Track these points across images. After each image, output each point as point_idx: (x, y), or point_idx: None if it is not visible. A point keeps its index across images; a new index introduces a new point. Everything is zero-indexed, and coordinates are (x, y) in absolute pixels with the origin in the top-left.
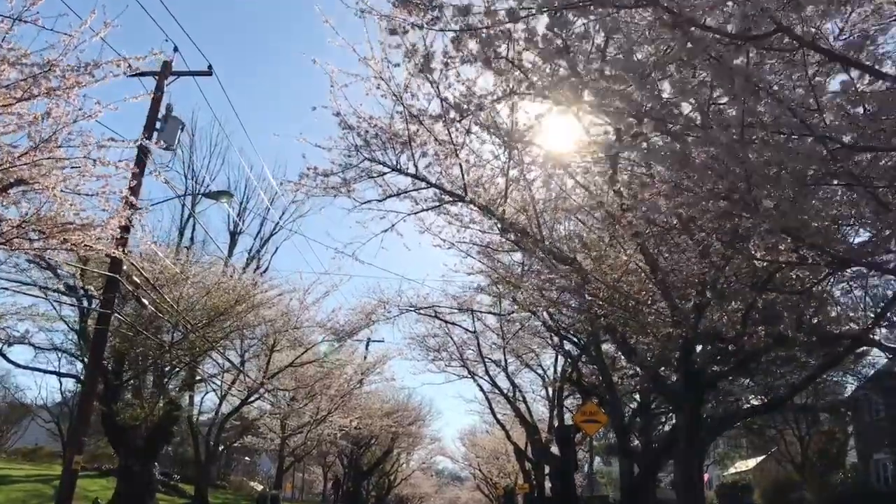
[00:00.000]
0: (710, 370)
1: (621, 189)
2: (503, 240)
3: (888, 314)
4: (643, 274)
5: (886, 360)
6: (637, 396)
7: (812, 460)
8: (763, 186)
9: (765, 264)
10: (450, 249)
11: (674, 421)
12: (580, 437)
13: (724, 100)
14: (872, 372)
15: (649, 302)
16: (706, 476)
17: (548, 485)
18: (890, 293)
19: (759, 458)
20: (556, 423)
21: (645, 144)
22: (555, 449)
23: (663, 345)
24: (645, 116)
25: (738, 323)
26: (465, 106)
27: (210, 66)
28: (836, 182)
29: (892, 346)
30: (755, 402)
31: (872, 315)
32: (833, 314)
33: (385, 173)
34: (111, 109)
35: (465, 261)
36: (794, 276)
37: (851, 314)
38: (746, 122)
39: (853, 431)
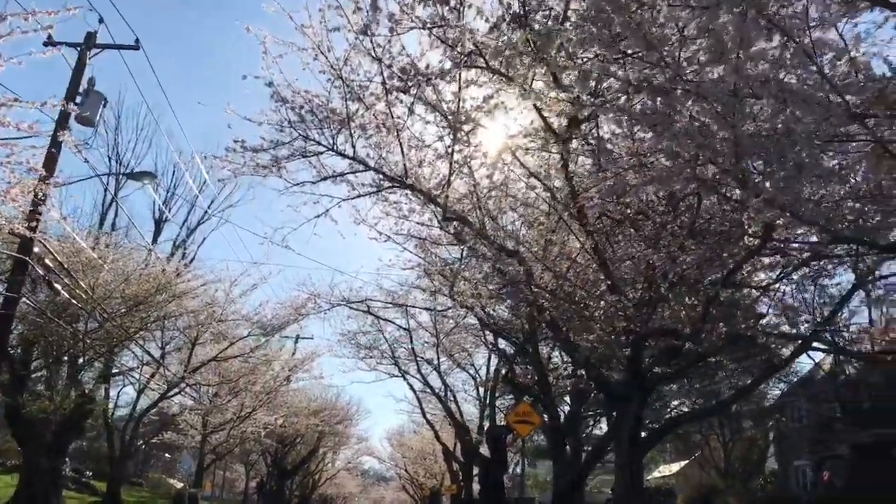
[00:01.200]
0: (657, 371)
1: (573, 177)
2: (442, 232)
3: (837, 315)
4: (592, 266)
5: (812, 365)
6: (567, 399)
7: (734, 466)
8: (753, 155)
9: (726, 255)
10: (386, 242)
11: (603, 425)
12: (511, 438)
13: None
14: (796, 379)
15: (597, 294)
16: None
17: (476, 486)
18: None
19: (683, 463)
20: (486, 424)
21: (619, 104)
22: (484, 450)
23: (610, 342)
24: (616, 69)
25: (697, 320)
26: (410, 79)
27: (137, 40)
28: (853, 143)
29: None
30: (692, 406)
31: (820, 317)
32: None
33: (320, 153)
34: (14, 64)
35: (401, 255)
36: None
37: (798, 316)
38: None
39: (774, 438)
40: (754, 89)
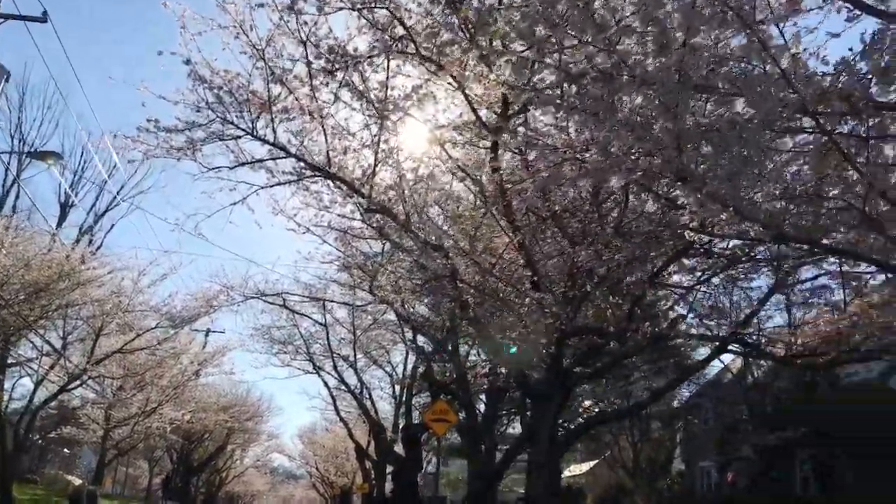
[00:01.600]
0: (578, 370)
1: (501, 171)
2: (364, 226)
3: (753, 319)
4: (518, 262)
5: (720, 368)
6: (483, 397)
7: (642, 466)
8: (696, 148)
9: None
10: (305, 234)
11: (517, 424)
12: (426, 436)
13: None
14: (704, 381)
15: (522, 291)
16: None
17: (389, 485)
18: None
19: (593, 463)
20: (402, 422)
21: (556, 94)
22: (399, 448)
23: (534, 340)
24: (556, 56)
25: (622, 319)
26: (337, 61)
27: (45, 12)
28: (803, 135)
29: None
30: (606, 407)
31: (737, 320)
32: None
33: (238, 137)
34: None
35: (320, 248)
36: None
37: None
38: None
39: (681, 439)
40: (705, 76)
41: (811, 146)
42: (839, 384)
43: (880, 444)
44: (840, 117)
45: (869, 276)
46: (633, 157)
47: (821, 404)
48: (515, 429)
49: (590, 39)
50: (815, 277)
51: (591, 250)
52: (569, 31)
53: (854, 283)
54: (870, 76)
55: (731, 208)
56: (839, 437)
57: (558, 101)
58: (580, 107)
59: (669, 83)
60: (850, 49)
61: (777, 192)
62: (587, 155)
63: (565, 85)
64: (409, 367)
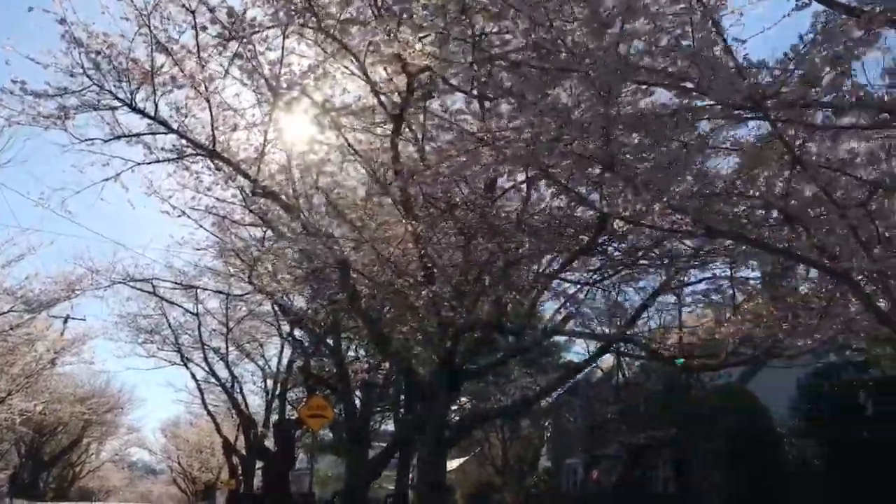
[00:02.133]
0: (468, 367)
1: (400, 160)
2: (246, 211)
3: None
4: (413, 254)
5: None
6: (359, 393)
7: (511, 463)
8: (626, 136)
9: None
10: (180, 217)
11: (392, 422)
12: (300, 432)
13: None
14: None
15: (417, 283)
16: (411, 476)
17: (257, 482)
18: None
19: (462, 460)
20: (273, 417)
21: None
22: (270, 443)
23: (429, 334)
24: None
25: (524, 315)
26: (234, 30)
27: None
28: (757, 116)
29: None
30: (482, 405)
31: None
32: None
33: (115, 108)
34: None
35: (195, 233)
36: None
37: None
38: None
39: (549, 437)
40: (653, 56)
41: (745, 140)
42: (705, 386)
43: (737, 443)
44: (788, 107)
45: (756, 280)
46: (559, 144)
47: (689, 406)
48: (388, 426)
49: (530, 15)
50: (700, 281)
51: (487, 244)
52: (489, 8)
53: (741, 287)
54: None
55: (665, 199)
56: (701, 437)
57: (483, 81)
58: (509, 89)
59: (610, 62)
60: (801, 37)
61: (695, 188)
62: (507, 141)
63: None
64: (285, 361)
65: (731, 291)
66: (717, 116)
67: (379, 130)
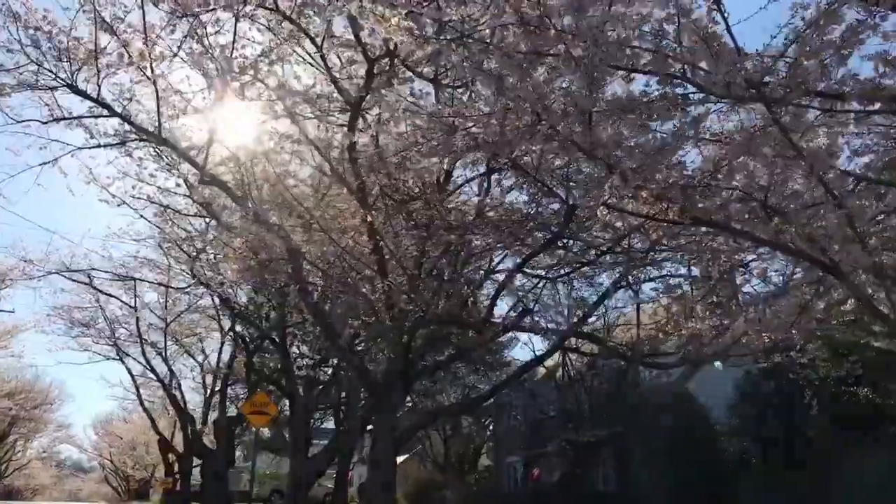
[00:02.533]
0: (423, 363)
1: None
2: (189, 201)
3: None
4: (366, 246)
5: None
6: (300, 390)
7: (452, 461)
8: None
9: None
10: (119, 207)
11: (332, 420)
12: (240, 429)
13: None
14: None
15: (370, 276)
16: (349, 474)
17: (195, 480)
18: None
19: (403, 458)
20: (215, 414)
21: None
22: (209, 441)
23: (385, 328)
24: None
25: (487, 309)
26: (186, 8)
27: None
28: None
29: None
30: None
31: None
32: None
33: (55, 88)
34: None
35: (136, 223)
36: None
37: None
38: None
39: (490, 435)
40: (640, 38)
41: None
42: (642, 385)
43: (675, 441)
44: (786, 93)
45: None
46: (539, 130)
47: (629, 405)
48: (329, 424)
49: None
50: (657, 278)
51: (444, 237)
52: None
53: (697, 282)
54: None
55: (652, 187)
56: (640, 435)
57: (457, 63)
58: (488, 70)
59: (601, 39)
60: (803, 19)
61: (673, 178)
62: (482, 125)
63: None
64: (226, 356)
65: (685, 289)
66: (709, 100)
67: (332, 119)
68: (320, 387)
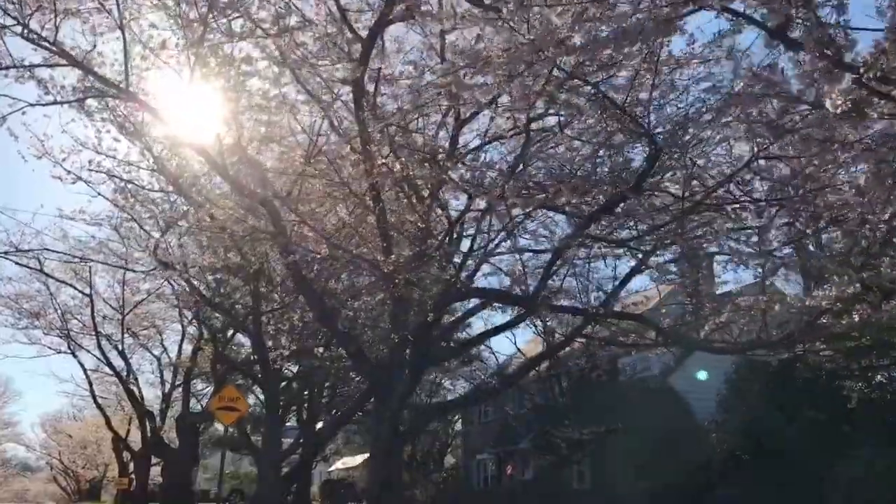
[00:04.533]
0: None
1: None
2: (154, 176)
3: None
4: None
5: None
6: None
7: (418, 459)
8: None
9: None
10: (75, 184)
11: (304, 416)
12: (204, 426)
13: None
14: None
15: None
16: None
17: (154, 479)
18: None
19: (366, 455)
20: (173, 410)
21: None
22: (169, 439)
23: (394, 306)
24: None
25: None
26: None
27: None
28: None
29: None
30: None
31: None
32: None
33: (3, 28)
34: None
35: (93, 202)
36: None
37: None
38: None
39: (460, 433)
40: None
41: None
42: (620, 380)
43: (653, 437)
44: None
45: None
46: None
47: (606, 401)
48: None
49: None
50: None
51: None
52: None
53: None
54: None
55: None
56: (618, 432)
57: None
58: None
59: None
60: None
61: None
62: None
63: None
64: (190, 348)
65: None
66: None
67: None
68: (283, 383)
